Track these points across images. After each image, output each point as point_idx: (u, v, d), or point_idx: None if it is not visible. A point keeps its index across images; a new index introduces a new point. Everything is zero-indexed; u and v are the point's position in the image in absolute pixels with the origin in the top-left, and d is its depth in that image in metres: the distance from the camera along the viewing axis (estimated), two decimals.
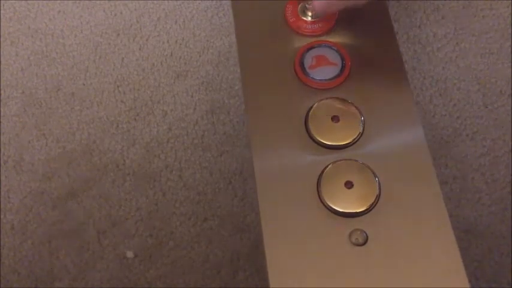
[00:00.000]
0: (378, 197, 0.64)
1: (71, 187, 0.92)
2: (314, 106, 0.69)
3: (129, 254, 0.89)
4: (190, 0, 1.03)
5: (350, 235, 0.63)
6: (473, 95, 0.94)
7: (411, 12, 1.00)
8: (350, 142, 0.67)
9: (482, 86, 0.94)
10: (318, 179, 0.66)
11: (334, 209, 0.64)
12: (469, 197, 0.89)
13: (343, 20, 0.74)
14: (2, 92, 0.99)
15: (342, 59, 0.71)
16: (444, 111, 0.93)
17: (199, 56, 0.99)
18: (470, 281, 0.61)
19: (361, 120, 0.68)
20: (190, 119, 0.95)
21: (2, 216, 0.91)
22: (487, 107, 0.93)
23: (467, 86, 0.94)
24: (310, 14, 0.74)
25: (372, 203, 0.64)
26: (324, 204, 0.64)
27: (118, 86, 0.98)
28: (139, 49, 1.00)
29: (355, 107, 0.68)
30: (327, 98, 0.69)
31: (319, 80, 0.70)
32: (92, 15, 1.03)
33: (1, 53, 1.01)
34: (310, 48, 0.72)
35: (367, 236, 0.63)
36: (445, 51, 0.97)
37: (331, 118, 0.68)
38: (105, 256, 0.89)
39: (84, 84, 0.98)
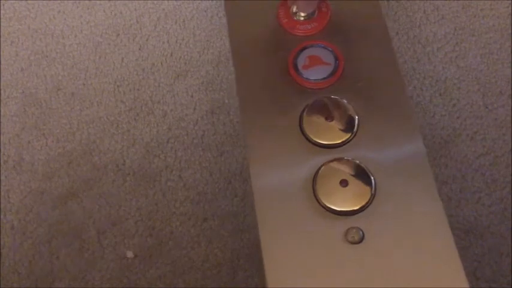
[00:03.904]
0: (373, 195, 0.64)
1: (71, 187, 0.93)
2: (308, 106, 0.69)
3: (129, 254, 0.89)
4: (190, 0, 1.03)
5: (346, 233, 0.63)
6: (473, 95, 0.94)
7: (411, 12, 1.00)
8: (345, 141, 0.67)
9: (482, 86, 0.94)
10: (313, 178, 0.66)
11: (330, 208, 0.64)
12: (469, 197, 0.88)
13: (336, 20, 0.74)
14: (2, 92, 0.99)
15: (335, 59, 0.71)
16: (444, 111, 0.93)
17: (199, 56, 0.99)
18: (470, 281, 0.61)
19: (356, 119, 0.68)
20: (190, 119, 0.95)
21: (2, 216, 0.91)
22: (487, 107, 0.93)
23: (467, 86, 0.94)
24: (302, 14, 0.74)
25: (368, 201, 0.64)
26: (319, 203, 0.65)
27: (118, 86, 0.98)
28: (139, 49, 1.01)
29: (349, 106, 0.68)
30: (320, 98, 0.69)
31: (313, 80, 0.70)
32: (92, 15, 1.04)
33: (1, 53, 1.02)
34: (303, 48, 0.73)
35: (363, 234, 0.63)
36: (445, 51, 0.97)
37: (326, 118, 0.68)
38: (105, 256, 0.89)
39: (84, 84, 0.99)
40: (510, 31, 0.97)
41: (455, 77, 0.95)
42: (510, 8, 0.98)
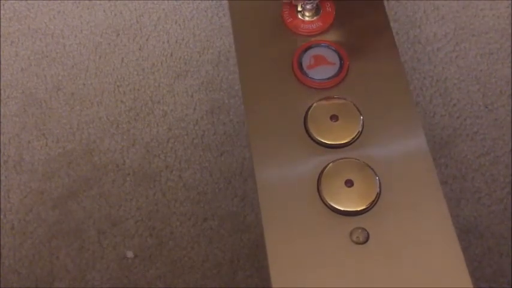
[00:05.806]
0: (378, 195, 0.64)
1: (71, 187, 0.92)
2: (313, 106, 0.69)
3: (129, 254, 0.89)
4: (190, 0, 1.03)
5: (351, 234, 0.63)
6: (473, 95, 0.94)
7: (411, 12, 1.00)
8: (349, 141, 0.67)
9: (482, 86, 0.94)
10: (318, 178, 0.66)
11: (335, 208, 0.64)
12: (469, 197, 0.89)
13: (341, 19, 0.74)
14: (2, 92, 0.99)
15: (340, 58, 0.71)
16: (444, 111, 0.93)
17: (199, 56, 0.99)
18: None
19: (360, 119, 0.68)
20: (190, 119, 0.95)
21: (2, 216, 0.91)
22: (487, 107, 0.93)
23: (467, 86, 0.94)
24: (307, 14, 0.74)
25: (373, 201, 0.64)
26: (324, 203, 0.64)
27: (118, 86, 0.98)
28: (139, 49, 1.01)
29: (354, 105, 0.68)
30: (325, 98, 0.69)
31: (318, 79, 0.70)
32: (92, 15, 1.03)
33: (1, 53, 1.01)
34: (308, 48, 0.73)
35: (368, 235, 0.63)
36: (445, 51, 0.97)
37: (330, 117, 0.68)
38: (105, 256, 0.89)
39: (84, 84, 0.99)
40: (510, 31, 0.97)
41: (455, 77, 0.95)
42: (510, 8, 0.99)
